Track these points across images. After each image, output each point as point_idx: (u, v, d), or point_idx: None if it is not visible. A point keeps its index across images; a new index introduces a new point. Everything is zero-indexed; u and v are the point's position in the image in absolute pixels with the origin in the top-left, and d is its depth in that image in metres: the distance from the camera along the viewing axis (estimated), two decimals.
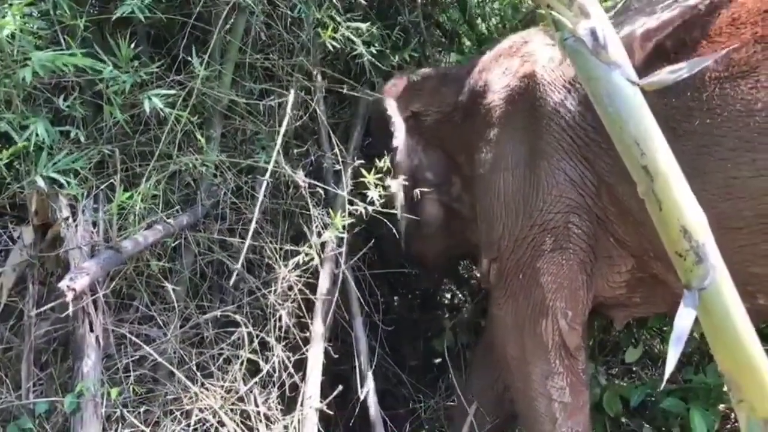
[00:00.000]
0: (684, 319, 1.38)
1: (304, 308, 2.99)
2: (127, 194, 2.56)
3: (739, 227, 2.11)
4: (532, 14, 4.00)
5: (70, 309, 2.26)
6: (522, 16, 4.11)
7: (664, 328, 3.62)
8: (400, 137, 3.13)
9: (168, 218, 2.81)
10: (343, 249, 3.14)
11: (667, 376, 1.40)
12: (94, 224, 2.67)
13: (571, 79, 2.57)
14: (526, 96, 2.71)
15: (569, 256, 2.64)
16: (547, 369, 2.72)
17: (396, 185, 3.04)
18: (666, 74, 1.47)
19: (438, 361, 4.02)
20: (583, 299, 2.70)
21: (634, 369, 3.76)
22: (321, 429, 2.78)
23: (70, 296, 2.17)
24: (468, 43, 4.48)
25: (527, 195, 2.69)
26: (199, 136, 2.88)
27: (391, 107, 3.21)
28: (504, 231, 2.78)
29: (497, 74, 2.91)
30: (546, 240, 2.65)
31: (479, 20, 4.39)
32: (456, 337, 3.91)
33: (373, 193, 2.90)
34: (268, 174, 2.90)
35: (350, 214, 2.99)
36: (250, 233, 2.81)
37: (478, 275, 4.22)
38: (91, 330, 2.49)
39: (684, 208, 1.39)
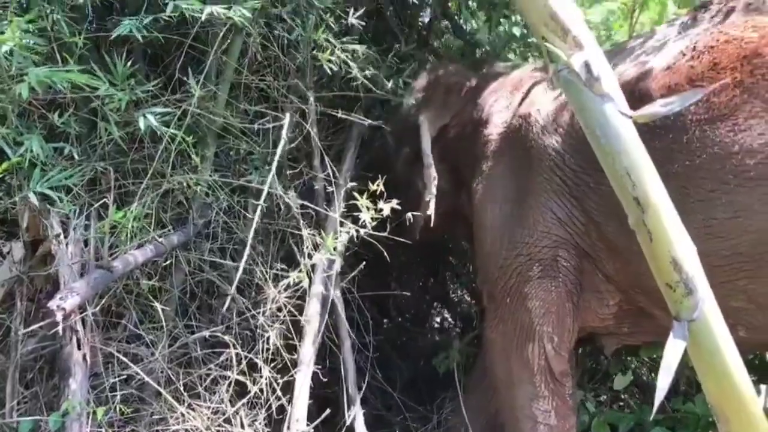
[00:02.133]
0: (673, 350, 1.39)
1: (292, 330, 2.98)
2: (120, 213, 2.55)
3: (719, 265, 2.14)
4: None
5: (60, 327, 2.24)
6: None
7: (654, 356, 3.63)
8: (428, 158, 3.23)
9: (160, 237, 2.80)
10: (333, 271, 3.14)
11: (656, 405, 1.40)
12: (86, 242, 2.65)
13: (564, 123, 2.64)
14: (519, 136, 2.81)
15: (558, 284, 2.70)
16: (532, 392, 2.76)
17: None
18: (658, 107, 1.49)
19: (431, 383, 4.00)
20: (570, 327, 2.75)
21: (622, 396, 3.76)
22: None
23: (59, 316, 2.16)
24: None
25: (513, 229, 2.78)
26: (193, 156, 2.89)
27: (425, 126, 3.31)
28: (490, 259, 2.89)
29: (500, 107, 3.03)
30: (534, 267, 2.72)
31: (474, 47, 4.43)
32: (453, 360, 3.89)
33: (365, 215, 2.91)
34: (262, 199, 2.91)
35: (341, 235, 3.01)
36: (244, 258, 2.82)
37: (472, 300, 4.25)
38: (79, 348, 2.47)
39: (674, 240, 1.40)
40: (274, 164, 2.94)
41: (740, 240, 2.13)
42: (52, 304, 2.18)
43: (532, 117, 2.76)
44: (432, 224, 3.27)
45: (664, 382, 1.39)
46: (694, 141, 2.15)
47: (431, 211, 3.16)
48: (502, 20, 4.17)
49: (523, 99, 2.91)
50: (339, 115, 3.40)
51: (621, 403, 3.78)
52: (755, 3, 2.21)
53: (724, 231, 2.15)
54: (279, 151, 2.98)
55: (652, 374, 3.77)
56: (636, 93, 2.28)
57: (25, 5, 2.67)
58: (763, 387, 3.12)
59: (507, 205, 2.83)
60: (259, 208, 2.91)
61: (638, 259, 2.35)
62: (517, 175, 2.81)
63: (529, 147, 2.73)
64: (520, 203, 2.76)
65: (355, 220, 2.98)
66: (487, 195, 2.94)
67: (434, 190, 3.18)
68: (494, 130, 2.98)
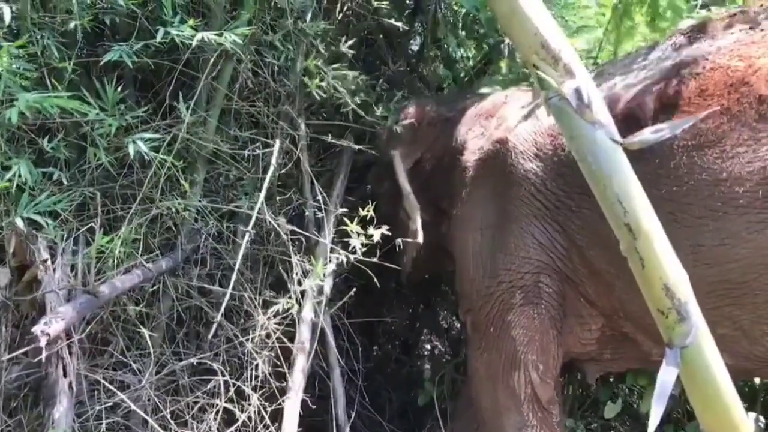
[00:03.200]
0: (666, 376, 1.39)
1: (281, 357, 2.95)
2: (107, 238, 2.54)
3: (706, 292, 2.13)
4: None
5: (44, 353, 2.21)
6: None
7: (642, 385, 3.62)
8: (406, 188, 3.23)
9: (148, 262, 2.78)
10: (323, 297, 3.13)
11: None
12: (72, 267, 2.63)
13: (543, 148, 2.66)
14: (497, 161, 2.82)
15: (540, 311, 2.70)
16: (520, 421, 2.74)
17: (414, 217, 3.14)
18: (648, 134, 1.51)
19: (419, 411, 3.97)
20: (554, 353, 2.74)
21: (613, 425, 3.74)
22: None
23: (44, 341, 2.13)
24: None
25: (494, 255, 2.78)
26: (182, 181, 2.88)
27: (397, 160, 3.32)
28: (472, 287, 2.88)
29: (475, 133, 3.05)
30: (516, 295, 2.72)
31: (463, 74, 4.46)
32: (437, 388, 3.86)
33: (356, 242, 2.91)
34: (251, 225, 2.90)
35: (331, 261, 3.00)
36: (231, 284, 2.80)
37: (460, 326, 4.23)
38: (65, 375, 2.43)
39: (666, 267, 1.40)
40: (264, 190, 2.94)
41: (727, 267, 2.13)
42: (37, 329, 2.15)
43: (509, 142, 2.77)
44: (419, 258, 3.31)
45: (657, 409, 1.39)
46: (682, 167, 2.16)
47: (420, 238, 3.13)
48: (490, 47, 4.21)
49: (498, 125, 2.93)
50: (329, 140, 3.42)
51: (612, 431, 3.76)
52: (734, 32, 2.26)
53: (711, 258, 2.15)
54: (268, 177, 2.98)
55: (643, 401, 3.75)
56: (620, 117, 2.30)
57: (15, 31, 2.67)
58: (752, 414, 3.11)
59: (488, 232, 2.83)
60: (247, 234, 2.89)
61: (621, 284, 2.40)
62: (496, 201, 2.82)
63: (508, 172, 2.74)
64: (501, 229, 2.77)
65: (345, 246, 2.98)
66: (467, 222, 2.94)
67: (419, 219, 3.15)
68: (471, 157, 2.99)
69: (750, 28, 2.21)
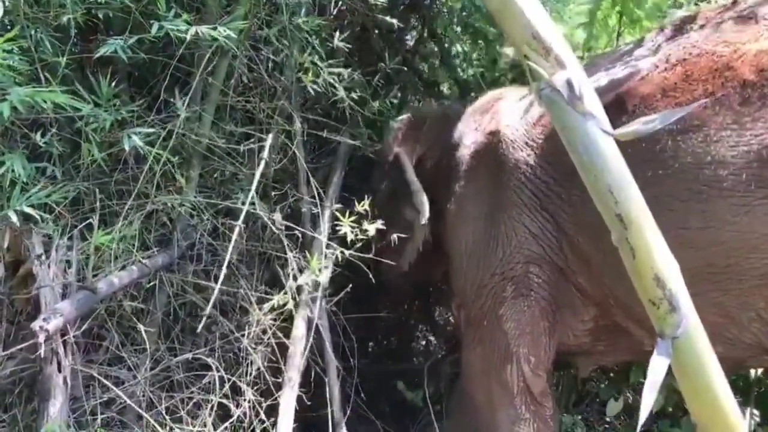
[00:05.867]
0: (657, 367, 1.39)
1: (278, 352, 2.95)
2: (108, 237, 2.54)
3: (691, 276, 2.13)
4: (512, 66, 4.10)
5: (42, 349, 2.21)
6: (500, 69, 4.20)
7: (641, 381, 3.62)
8: (415, 184, 3.14)
9: (143, 258, 2.78)
10: (319, 293, 3.12)
11: (641, 423, 1.40)
12: (68, 263, 2.62)
13: (533, 137, 2.67)
14: (489, 152, 2.84)
15: (531, 303, 2.70)
16: (513, 414, 2.75)
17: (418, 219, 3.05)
18: (640, 125, 1.51)
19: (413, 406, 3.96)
20: (546, 346, 2.75)
21: (608, 420, 3.74)
22: None
23: (42, 337, 2.13)
24: (447, 91, 4.55)
25: (487, 245, 2.79)
26: (178, 177, 2.88)
27: (403, 157, 3.25)
28: (466, 279, 2.88)
29: (470, 128, 3.07)
30: (507, 288, 2.73)
31: (459, 70, 4.46)
32: (435, 382, 3.87)
33: (350, 235, 2.91)
34: (240, 220, 2.89)
35: (327, 257, 3.00)
36: (221, 278, 2.79)
37: (453, 320, 4.24)
38: (59, 370, 2.43)
39: (657, 257, 1.40)
40: (254, 184, 2.93)
41: (712, 251, 2.14)
42: (35, 324, 2.15)
43: (501, 133, 2.79)
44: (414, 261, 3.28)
45: (648, 399, 1.39)
46: (667, 151, 2.17)
47: (423, 235, 3.11)
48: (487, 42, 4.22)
49: (491, 118, 2.95)
50: (325, 135, 3.42)
51: (607, 426, 3.76)
52: (723, 22, 2.26)
53: (695, 241, 2.15)
54: (258, 172, 2.97)
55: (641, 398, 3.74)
56: (609, 103, 2.30)
57: (8, 26, 2.66)
58: (746, 408, 3.11)
59: (481, 223, 2.83)
60: (237, 228, 2.89)
61: (610, 271, 2.41)
62: (489, 192, 2.83)
63: (500, 163, 2.75)
64: (493, 220, 2.78)
65: (341, 242, 2.98)
66: (460, 215, 2.94)
67: (428, 213, 3.05)
68: (464, 151, 3.00)
69: (738, 18, 2.22)
